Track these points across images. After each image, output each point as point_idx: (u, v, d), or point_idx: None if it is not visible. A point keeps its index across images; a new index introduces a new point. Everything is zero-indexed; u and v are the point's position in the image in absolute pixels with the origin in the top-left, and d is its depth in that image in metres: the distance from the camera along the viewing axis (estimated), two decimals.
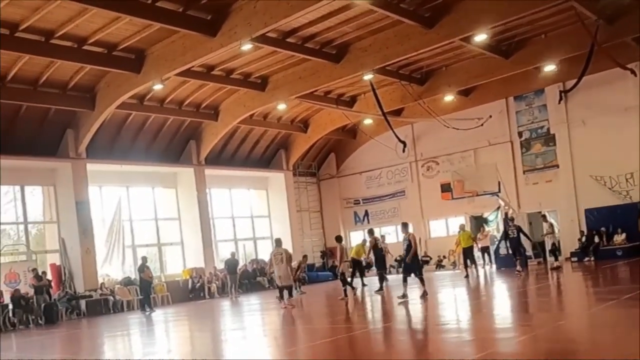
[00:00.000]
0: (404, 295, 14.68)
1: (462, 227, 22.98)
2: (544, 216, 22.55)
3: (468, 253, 22.17)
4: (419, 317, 12.98)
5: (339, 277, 18.48)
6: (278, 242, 17.10)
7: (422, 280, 15.13)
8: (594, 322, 9.87)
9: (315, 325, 13.43)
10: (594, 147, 24.19)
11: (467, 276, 21.32)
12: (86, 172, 22.89)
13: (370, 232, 20.03)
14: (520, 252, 20.05)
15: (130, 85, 20.32)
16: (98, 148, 23.42)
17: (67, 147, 22.48)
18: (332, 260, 32.07)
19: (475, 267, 22.57)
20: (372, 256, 20.75)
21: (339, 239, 18.66)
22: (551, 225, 22.04)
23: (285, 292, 16.66)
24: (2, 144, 20.40)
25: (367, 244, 20.83)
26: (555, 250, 21.66)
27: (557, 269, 20.35)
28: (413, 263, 15.19)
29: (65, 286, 21.99)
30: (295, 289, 21.19)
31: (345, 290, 17.43)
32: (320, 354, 9.27)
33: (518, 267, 19.71)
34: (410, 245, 14.98)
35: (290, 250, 28.83)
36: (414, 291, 15.49)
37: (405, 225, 15.75)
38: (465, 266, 22.04)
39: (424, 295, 14.78)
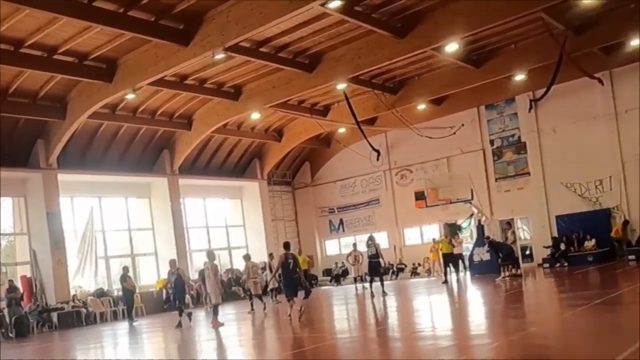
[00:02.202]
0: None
1: (445, 234, 23.42)
2: (508, 224, 23.05)
3: (449, 259, 22.41)
4: (395, 324, 13.02)
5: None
6: (209, 255, 16.15)
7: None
8: (565, 327, 10.02)
9: (288, 335, 13.38)
10: (564, 154, 24.60)
11: (445, 282, 21.49)
12: (57, 183, 22.57)
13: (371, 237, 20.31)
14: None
15: (102, 95, 20.13)
16: (69, 158, 23.13)
17: (38, 158, 22.15)
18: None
19: (457, 273, 22.89)
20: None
21: (247, 257, 19.18)
22: (513, 232, 22.50)
23: (215, 310, 15.67)
24: None
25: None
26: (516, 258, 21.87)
27: (518, 276, 20.52)
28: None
29: (37, 298, 21.62)
30: (272, 298, 21.05)
31: (252, 305, 18.15)
32: None
33: (508, 273, 20.17)
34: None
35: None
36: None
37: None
38: (445, 272, 22.27)
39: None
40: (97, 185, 24.69)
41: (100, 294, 23.15)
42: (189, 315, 16.86)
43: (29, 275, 22.33)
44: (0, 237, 22.77)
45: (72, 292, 22.49)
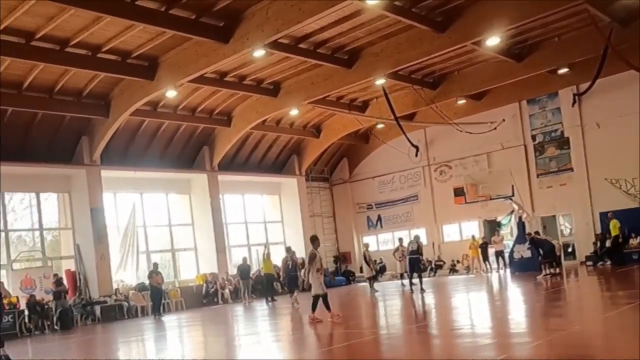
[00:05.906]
0: None
1: (611, 216, 22.95)
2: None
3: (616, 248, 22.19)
4: (433, 321, 12.93)
5: None
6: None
7: None
8: (609, 326, 9.80)
9: (328, 330, 13.41)
10: (608, 150, 24.01)
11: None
12: (101, 179, 23.05)
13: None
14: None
15: (143, 92, 20.47)
16: (112, 155, 23.60)
17: (82, 154, 22.66)
18: (345, 265, 32.15)
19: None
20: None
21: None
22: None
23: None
24: (18, 151, 20.68)
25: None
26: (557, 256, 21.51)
27: (556, 275, 20.18)
28: None
29: (81, 292, 22.14)
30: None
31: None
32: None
33: (550, 270, 20.03)
34: None
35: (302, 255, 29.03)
36: None
37: None
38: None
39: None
40: (139, 181, 25.10)
41: (142, 288, 23.57)
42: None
43: (73, 269, 22.88)
44: (44, 232, 23.35)
45: (115, 286, 22.97)
